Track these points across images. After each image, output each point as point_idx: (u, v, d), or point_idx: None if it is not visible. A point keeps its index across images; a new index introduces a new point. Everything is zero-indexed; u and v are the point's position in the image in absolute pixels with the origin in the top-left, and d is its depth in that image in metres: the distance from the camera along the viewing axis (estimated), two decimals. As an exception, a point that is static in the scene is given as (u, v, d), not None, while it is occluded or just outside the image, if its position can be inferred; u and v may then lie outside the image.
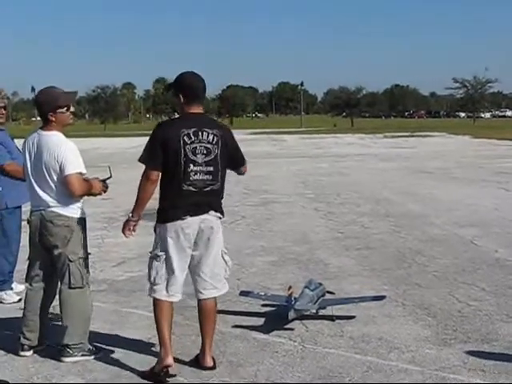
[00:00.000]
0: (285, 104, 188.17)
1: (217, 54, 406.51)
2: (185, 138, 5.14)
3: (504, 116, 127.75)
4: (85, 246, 5.70)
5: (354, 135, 56.26)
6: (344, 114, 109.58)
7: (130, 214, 5.36)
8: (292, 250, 10.12)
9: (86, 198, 5.73)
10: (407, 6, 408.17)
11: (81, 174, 5.58)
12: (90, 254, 5.82)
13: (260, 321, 6.63)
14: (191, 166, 5.14)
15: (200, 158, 5.17)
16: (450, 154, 31.01)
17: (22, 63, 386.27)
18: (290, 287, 6.89)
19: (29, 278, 5.88)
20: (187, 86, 5.30)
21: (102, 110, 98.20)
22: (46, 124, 5.73)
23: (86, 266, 5.75)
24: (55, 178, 5.57)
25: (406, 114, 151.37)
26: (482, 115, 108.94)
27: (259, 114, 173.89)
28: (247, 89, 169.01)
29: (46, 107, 5.70)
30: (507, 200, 15.29)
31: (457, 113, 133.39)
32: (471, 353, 5.67)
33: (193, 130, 5.17)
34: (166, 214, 5.22)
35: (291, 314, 6.28)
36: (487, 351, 5.70)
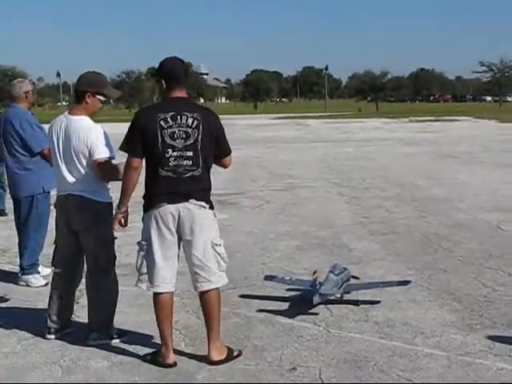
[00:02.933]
0: (309, 88, 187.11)
1: (241, 38, 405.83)
2: (161, 122, 5.03)
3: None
4: (111, 230, 5.70)
5: (378, 119, 55.93)
6: (369, 98, 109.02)
7: (117, 208, 5.33)
8: (316, 234, 10.11)
9: (112, 182, 5.73)
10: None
11: (110, 158, 5.59)
12: (116, 238, 5.84)
13: (285, 305, 6.64)
14: (170, 151, 5.03)
15: (179, 143, 5.03)
16: (475, 138, 30.76)
17: (47, 49, 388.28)
18: (314, 272, 6.88)
19: (55, 262, 5.92)
20: (167, 70, 5.21)
21: (127, 95, 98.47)
22: (77, 106, 5.72)
23: (113, 250, 5.78)
24: (84, 162, 5.57)
25: (432, 98, 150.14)
26: (509, 99, 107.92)
27: (283, 99, 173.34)
28: (271, 73, 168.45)
29: (88, 86, 5.68)
30: (534, 185, 15.14)
31: (483, 97, 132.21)
32: (497, 338, 5.64)
33: (171, 114, 5.06)
34: (147, 202, 5.17)
35: (316, 299, 6.27)
36: (513, 336, 5.66)
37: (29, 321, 6.28)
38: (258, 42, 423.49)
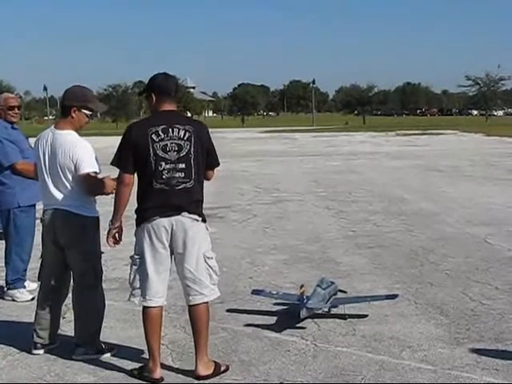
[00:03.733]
0: (296, 102, 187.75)
1: (227, 52, 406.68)
2: (153, 136, 5.04)
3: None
4: (98, 245, 5.69)
5: (365, 133, 56.10)
6: (356, 112, 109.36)
7: (110, 223, 5.33)
8: (304, 248, 10.11)
9: (98, 196, 5.73)
10: (418, 3, 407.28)
11: (95, 173, 5.58)
12: (102, 252, 5.82)
13: (272, 319, 6.63)
14: (163, 164, 5.03)
15: (172, 156, 5.04)
16: (462, 152, 30.89)
17: (34, 63, 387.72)
18: (301, 286, 6.88)
19: (41, 277, 5.89)
20: (157, 84, 5.23)
21: (113, 109, 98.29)
22: (63, 120, 5.72)
23: (99, 265, 5.75)
24: (70, 176, 5.57)
25: (418, 111, 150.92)
26: (495, 113, 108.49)
27: (270, 113, 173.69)
28: (258, 87, 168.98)
29: (73, 101, 5.68)
30: (520, 198, 15.21)
31: (469, 110, 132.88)
32: (484, 352, 5.65)
33: (162, 127, 5.07)
34: (139, 216, 5.17)
35: (303, 313, 6.27)
36: (500, 350, 5.68)
37: (14, 336, 6.24)
38: (244, 55, 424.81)
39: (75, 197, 5.59)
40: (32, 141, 7.87)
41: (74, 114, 5.68)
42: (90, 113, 5.80)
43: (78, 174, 5.53)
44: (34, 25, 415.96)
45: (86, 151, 5.59)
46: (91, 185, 5.56)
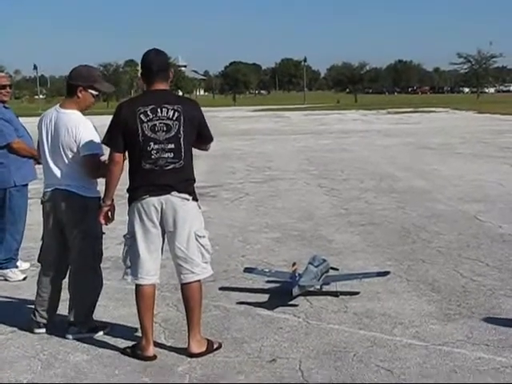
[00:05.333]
0: (288, 80, 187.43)
1: (219, 30, 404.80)
2: (141, 116, 5.02)
3: (508, 91, 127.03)
4: (99, 226, 5.64)
5: (357, 111, 56.05)
6: (347, 90, 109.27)
7: (102, 201, 5.33)
8: (296, 226, 10.13)
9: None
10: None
11: (98, 155, 5.52)
12: (104, 233, 5.80)
13: (264, 297, 6.66)
14: (151, 144, 5.01)
15: (161, 136, 5.02)
16: (454, 129, 30.92)
17: (24, 41, 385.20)
18: (294, 264, 6.91)
19: (42, 259, 5.86)
20: (147, 63, 5.18)
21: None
22: (69, 100, 5.66)
23: (99, 246, 5.74)
24: (71, 157, 5.52)
25: (410, 89, 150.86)
26: (486, 90, 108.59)
27: (262, 91, 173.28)
28: (250, 65, 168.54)
29: (79, 81, 5.62)
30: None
31: (461, 88, 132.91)
32: (475, 327, 5.69)
33: (151, 107, 5.04)
34: (130, 195, 5.17)
35: (295, 291, 6.30)
36: (491, 326, 5.72)
37: (7, 315, 6.25)
38: (236, 34, 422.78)
39: (76, 177, 5.54)
40: (22, 120, 7.87)
41: (80, 94, 5.62)
42: (96, 93, 5.75)
43: (80, 155, 5.49)
44: (24, 3, 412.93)
45: (90, 132, 5.53)
46: (93, 167, 5.50)
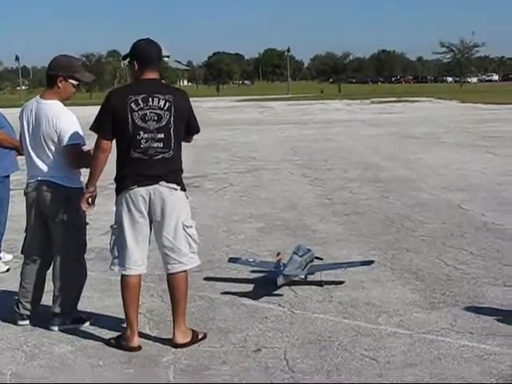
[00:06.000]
0: (271, 70, 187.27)
1: (202, 21, 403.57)
2: (132, 104, 4.99)
3: (490, 80, 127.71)
4: (82, 217, 5.63)
5: (341, 101, 56.10)
6: (331, 79, 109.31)
7: (85, 188, 5.30)
8: (280, 216, 10.13)
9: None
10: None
11: (79, 145, 5.48)
12: (87, 224, 5.77)
13: (249, 287, 6.65)
14: (141, 133, 4.99)
15: (151, 125, 4.99)
16: (437, 119, 31.02)
17: (6, 32, 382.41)
18: (278, 253, 6.91)
19: (25, 251, 5.82)
20: (140, 51, 5.14)
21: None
22: (49, 91, 5.60)
23: (83, 237, 5.70)
24: (53, 147, 5.47)
25: (393, 79, 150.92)
26: (469, 80, 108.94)
27: (246, 81, 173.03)
28: (233, 56, 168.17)
29: (59, 71, 5.56)
30: (494, 164, 15.35)
31: (444, 78, 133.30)
32: (459, 316, 5.72)
33: (142, 96, 5.01)
34: (118, 185, 5.14)
35: (280, 280, 6.29)
36: (474, 314, 5.74)
37: (-10, 307, 6.21)
38: (219, 23, 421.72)
39: (59, 168, 5.49)
40: (4, 111, 7.81)
41: (60, 84, 5.56)
42: (77, 83, 5.71)
43: (61, 145, 5.44)
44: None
45: (71, 122, 5.48)
46: (75, 157, 5.45)
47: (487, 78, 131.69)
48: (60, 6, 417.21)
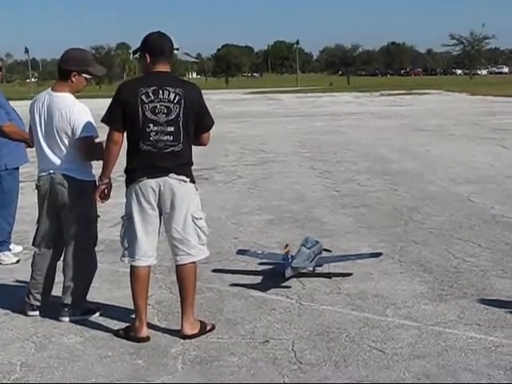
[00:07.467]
0: (280, 63, 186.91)
1: (212, 12, 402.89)
2: (142, 97, 5.00)
3: (500, 73, 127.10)
4: (94, 209, 5.65)
5: (350, 93, 55.99)
6: (340, 72, 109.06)
7: (99, 179, 5.33)
8: (289, 208, 10.14)
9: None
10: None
11: (93, 137, 5.51)
12: (99, 216, 5.79)
13: (257, 279, 6.67)
14: (151, 125, 5.00)
15: (161, 118, 5.00)
16: (446, 111, 30.92)
17: (15, 24, 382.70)
18: (286, 245, 6.92)
19: (37, 242, 5.84)
20: (152, 44, 5.16)
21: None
22: (61, 83, 5.61)
23: (94, 229, 5.73)
24: (66, 140, 5.49)
25: (403, 71, 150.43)
26: (479, 72, 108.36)
27: (255, 74, 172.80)
28: (243, 48, 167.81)
29: (74, 65, 5.57)
30: (503, 157, 15.32)
31: (453, 70, 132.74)
32: (467, 308, 5.72)
33: (152, 88, 5.02)
34: (127, 176, 5.16)
35: (288, 272, 6.31)
36: (482, 306, 5.75)
37: (0, 298, 6.24)
38: (228, 16, 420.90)
39: (72, 160, 5.51)
40: (13, 103, 7.84)
41: (73, 78, 5.58)
42: (90, 76, 5.73)
43: (74, 138, 5.46)
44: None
45: (84, 115, 5.50)
46: (88, 150, 5.48)
47: (497, 71, 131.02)
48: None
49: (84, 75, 5.64)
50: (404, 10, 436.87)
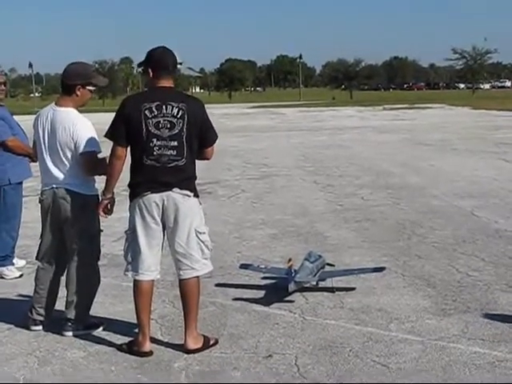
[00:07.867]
0: (283, 77, 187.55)
1: (215, 27, 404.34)
2: (146, 112, 5.02)
3: (503, 87, 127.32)
4: (97, 224, 5.66)
5: (353, 108, 56.04)
6: (343, 86, 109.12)
7: (102, 194, 5.35)
8: (292, 222, 10.14)
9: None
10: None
11: (96, 152, 5.52)
12: (102, 230, 5.80)
13: (260, 293, 6.66)
14: (154, 140, 5.02)
15: (164, 133, 5.02)
16: (449, 125, 30.94)
17: (19, 39, 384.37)
18: (289, 259, 6.92)
19: (40, 257, 5.84)
20: (155, 59, 5.17)
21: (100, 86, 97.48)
22: (65, 98, 5.63)
23: (97, 243, 5.74)
24: (69, 155, 5.50)
25: (405, 86, 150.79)
26: (482, 86, 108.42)
27: (258, 88, 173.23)
28: (246, 62, 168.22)
29: (77, 79, 5.59)
30: (506, 171, 15.32)
31: (456, 84, 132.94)
32: (470, 322, 5.71)
33: (156, 103, 5.04)
34: (131, 191, 5.17)
35: (291, 287, 6.30)
36: (486, 320, 5.73)
37: (3, 312, 6.24)
38: (231, 30, 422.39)
39: (75, 175, 5.53)
40: (17, 118, 7.86)
41: (78, 92, 5.60)
42: (94, 88, 5.76)
43: (77, 152, 5.47)
44: (18, 1, 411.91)
45: (87, 130, 5.52)
46: (91, 165, 5.49)
47: (500, 85, 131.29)
48: (72, 13, 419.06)
49: (88, 88, 5.67)
50: (406, 24, 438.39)
